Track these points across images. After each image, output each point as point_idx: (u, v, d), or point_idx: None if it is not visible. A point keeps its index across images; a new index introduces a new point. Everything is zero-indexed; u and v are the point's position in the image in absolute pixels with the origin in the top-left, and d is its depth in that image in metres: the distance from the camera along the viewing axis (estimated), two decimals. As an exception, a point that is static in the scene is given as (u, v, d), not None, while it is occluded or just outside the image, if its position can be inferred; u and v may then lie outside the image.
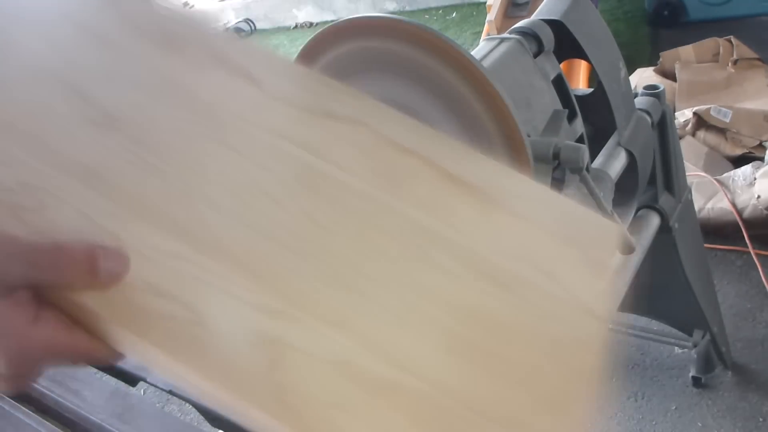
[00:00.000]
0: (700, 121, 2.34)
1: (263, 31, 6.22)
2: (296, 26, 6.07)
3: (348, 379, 0.34)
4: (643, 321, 1.65)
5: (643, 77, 2.72)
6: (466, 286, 0.40)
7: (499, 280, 0.41)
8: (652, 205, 1.10)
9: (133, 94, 0.44)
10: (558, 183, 0.79)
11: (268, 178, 0.42)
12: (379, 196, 0.43)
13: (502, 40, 0.81)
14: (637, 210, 1.09)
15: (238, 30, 6.13)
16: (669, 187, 1.14)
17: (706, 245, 1.45)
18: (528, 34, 0.83)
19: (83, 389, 0.45)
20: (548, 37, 0.84)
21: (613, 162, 0.90)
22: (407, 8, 5.52)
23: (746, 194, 1.96)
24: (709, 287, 1.45)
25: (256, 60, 0.47)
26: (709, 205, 1.99)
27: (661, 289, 1.37)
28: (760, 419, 1.47)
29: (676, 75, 2.64)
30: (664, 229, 1.12)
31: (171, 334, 0.34)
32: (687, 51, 2.71)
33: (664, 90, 1.06)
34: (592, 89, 0.97)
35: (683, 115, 2.37)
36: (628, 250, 0.83)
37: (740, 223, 1.91)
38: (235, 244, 0.38)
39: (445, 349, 0.37)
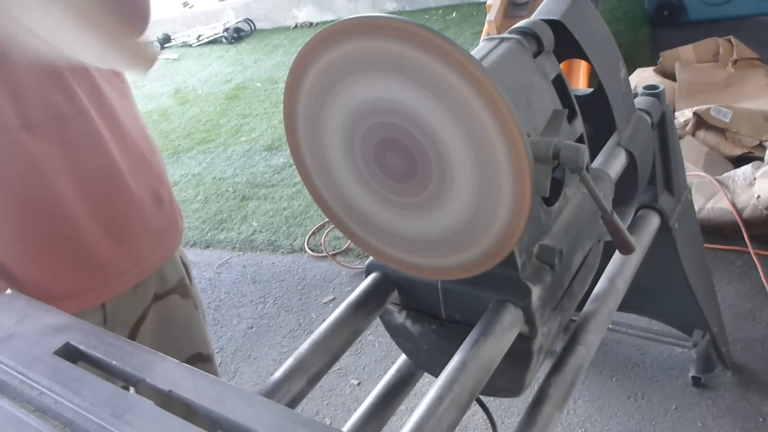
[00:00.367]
0: (700, 121, 2.34)
1: (263, 31, 6.22)
2: (296, 26, 6.07)
3: None
4: (643, 321, 1.65)
5: (643, 77, 2.72)
6: None
7: None
8: (652, 205, 1.10)
9: None
10: (558, 183, 0.79)
11: None
12: None
13: (502, 40, 0.81)
14: (637, 210, 1.09)
15: (237, 30, 6.13)
16: (669, 187, 1.14)
17: (706, 245, 1.45)
18: (528, 34, 0.83)
19: (83, 389, 0.45)
20: (548, 37, 0.84)
21: (613, 162, 0.90)
22: (407, 8, 5.52)
23: (746, 194, 1.96)
24: (708, 287, 1.45)
25: None
26: (709, 205, 1.99)
27: (661, 289, 1.37)
28: (760, 419, 1.47)
29: (676, 75, 2.65)
30: (664, 229, 1.12)
31: None
32: (687, 51, 2.71)
33: (663, 90, 1.06)
34: (592, 89, 0.97)
35: (683, 115, 2.37)
36: (628, 250, 0.83)
37: (740, 223, 1.91)
38: None
39: None
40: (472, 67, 0.56)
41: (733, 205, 1.95)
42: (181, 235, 1.00)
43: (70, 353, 0.50)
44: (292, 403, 0.73)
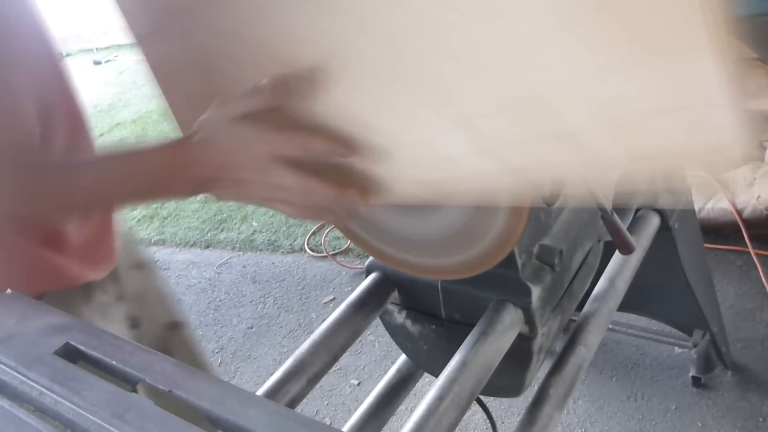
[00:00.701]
0: (700, 121, 2.34)
1: (263, 31, 6.22)
2: (296, 26, 6.06)
3: None
4: (643, 321, 1.65)
5: (643, 77, 2.71)
6: None
7: None
8: (652, 205, 1.10)
9: None
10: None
11: None
12: None
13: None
14: (637, 210, 1.09)
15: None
16: (669, 186, 1.14)
17: (706, 245, 1.45)
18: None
19: (83, 389, 0.45)
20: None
21: (613, 162, 0.90)
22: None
23: (746, 194, 1.96)
24: (708, 287, 1.45)
25: None
26: (709, 205, 1.99)
27: (661, 289, 1.37)
28: (760, 419, 1.47)
29: (676, 75, 2.64)
30: (664, 229, 1.12)
31: None
32: (687, 51, 2.71)
33: (664, 90, 1.06)
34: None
35: (683, 115, 2.37)
36: (628, 249, 0.83)
37: (740, 223, 1.91)
38: None
39: None
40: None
41: (734, 205, 1.95)
42: None
43: (70, 353, 0.50)
44: (292, 403, 0.73)
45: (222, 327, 2.26)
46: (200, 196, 0.60)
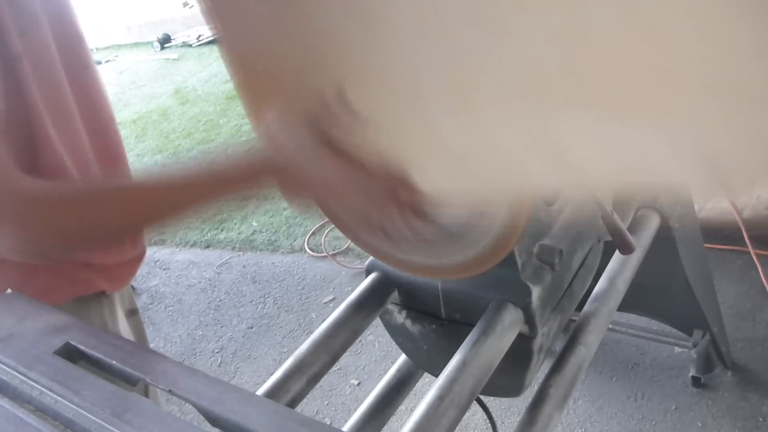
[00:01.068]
0: (700, 121, 2.34)
1: (263, 31, 6.22)
2: (296, 26, 6.06)
3: None
4: (643, 321, 1.65)
5: (643, 77, 2.72)
6: None
7: None
8: (652, 205, 1.10)
9: None
10: (558, 183, 0.79)
11: None
12: None
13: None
14: (637, 210, 1.09)
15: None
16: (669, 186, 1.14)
17: (706, 245, 1.45)
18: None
19: (83, 389, 0.45)
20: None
21: (613, 162, 0.90)
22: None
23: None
24: (708, 287, 1.45)
25: None
26: (709, 205, 1.99)
27: (661, 289, 1.37)
28: (760, 419, 1.47)
29: (676, 75, 2.64)
30: (664, 229, 1.12)
31: None
32: (687, 51, 2.71)
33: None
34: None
35: (683, 115, 2.37)
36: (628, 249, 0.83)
37: (740, 223, 1.91)
38: None
39: None
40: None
41: (734, 205, 1.95)
42: None
43: (70, 353, 0.50)
44: (292, 403, 0.73)
45: (222, 327, 2.26)
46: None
